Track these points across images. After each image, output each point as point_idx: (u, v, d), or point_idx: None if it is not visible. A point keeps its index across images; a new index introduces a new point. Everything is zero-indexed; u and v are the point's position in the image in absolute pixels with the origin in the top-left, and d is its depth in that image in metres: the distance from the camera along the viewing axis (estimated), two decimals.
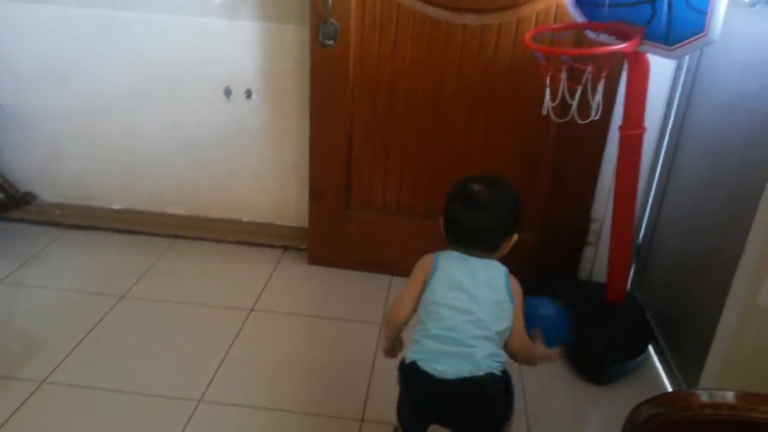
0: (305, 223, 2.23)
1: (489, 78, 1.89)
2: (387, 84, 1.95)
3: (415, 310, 1.22)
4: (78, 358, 1.69)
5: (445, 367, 1.14)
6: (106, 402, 1.55)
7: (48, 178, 2.41)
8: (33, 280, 2.07)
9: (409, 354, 1.19)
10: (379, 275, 2.17)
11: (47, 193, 2.44)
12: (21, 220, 2.38)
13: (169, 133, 2.25)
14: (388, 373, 1.69)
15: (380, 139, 2.04)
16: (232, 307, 1.96)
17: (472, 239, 1.21)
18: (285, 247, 2.32)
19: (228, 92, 2.17)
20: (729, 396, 0.74)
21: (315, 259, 2.23)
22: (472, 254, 1.21)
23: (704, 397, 0.75)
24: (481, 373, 1.13)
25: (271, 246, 2.32)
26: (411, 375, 1.17)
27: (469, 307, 1.15)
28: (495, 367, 1.15)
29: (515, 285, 1.22)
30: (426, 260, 1.25)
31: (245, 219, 2.37)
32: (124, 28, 2.11)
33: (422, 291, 1.21)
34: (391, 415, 1.55)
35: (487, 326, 1.15)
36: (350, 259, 2.19)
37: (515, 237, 1.24)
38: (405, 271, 2.13)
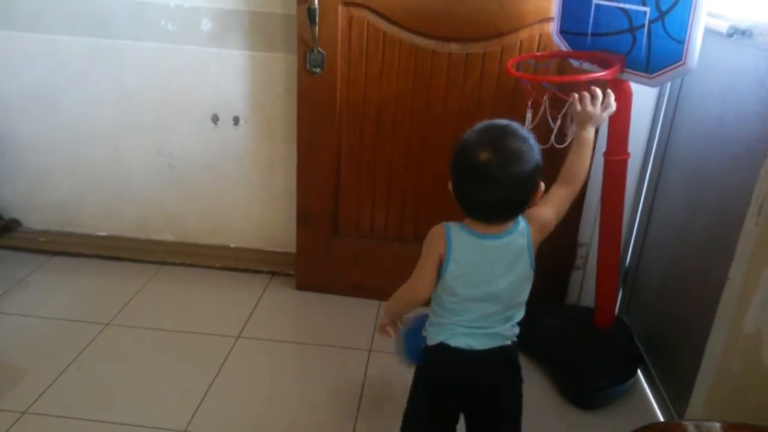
0: (293, 249, 2.22)
1: (474, 104, 1.91)
2: (374, 110, 1.97)
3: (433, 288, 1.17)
4: (61, 388, 1.66)
5: (474, 341, 1.16)
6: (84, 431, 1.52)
7: (33, 205, 2.39)
8: (16, 307, 2.03)
9: (433, 336, 1.19)
10: (367, 300, 2.16)
11: (32, 220, 2.41)
12: (5, 247, 2.35)
13: (155, 159, 2.25)
14: (377, 400, 1.69)
15: (367, 165, 2.05)
16: (219, 334, 1.94)
17: (495, 213, 1.12)
18: (273, 273, 2.31)
19: (215, 119, 2.17)
20: (716, 427, 0.74)
21: (303, 285, 2.22)
22: (494, 223, 1.13)
23: (691, 429, 0.75)
24: (509, 342, 1.19)
25: (259, 272, 2.31)
26: (439, 354, 1.18)
27: (492, 299, 1.15)
28: (516, 333, 1.21)
29: (534, 227, 1.18)
30: (438, 242, 1.14)
31: (232, 245, 2.36)
32: (111, 56, 2.12)
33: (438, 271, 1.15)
34: None
35: (512, 302, 1.17)
36: (338, 284, 2.18)
37: (542, 186, 1.14)
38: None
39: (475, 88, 1.89)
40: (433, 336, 1.19)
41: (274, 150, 2.20)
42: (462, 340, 1.16)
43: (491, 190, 1.08)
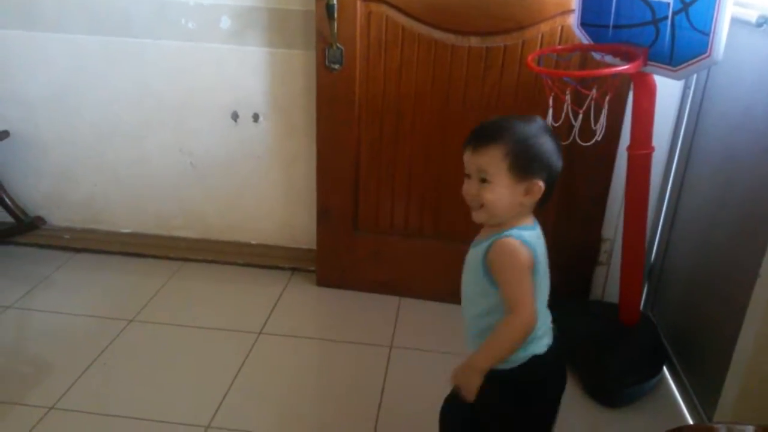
0: (314, 245, 2.22)
1: (495, 98, 1.89)
2: (393, 105, 1.96)
3: None
4: (86, 384, 1.69)
5: (550, 337, 1.14)
6: (114, 428, 1.55)
7: (57, 203, 2.42)
8: (42, 304, 2.07)
9: (532, 349, 1.10)
10: (387, 296, 2.16)
11: (57, 217, 2.45)
12: (31, 245, 2.39)
13: (177, 158, 2.26)
14: (398, 397, 1.69)
15: (387, 161, 2.04)
16: (241, 330, 1.96)
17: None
18: (294, 269, 2.32)
19: (235, 116, 2.18)
20: (748, 431, 0.72)
21: (323, 281, 2.22)
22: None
23: None
24: None
25: (280, 268, 2.32)
26: (550, 363, 1.12)
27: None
28: None
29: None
30: (522, 251, 1.05)
31: (253, 241, 2.37)
32: (132, 55, 2.14)
33: None
34: None
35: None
36: (359, 281, 2.18)
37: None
38: (414, 292, 2.15)
39: (495, 83, 1.87)
40: (524, 358, 1.09)
41: (293, 147, 2.20)
42: (545, 341, 1.11)
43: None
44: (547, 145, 1.07)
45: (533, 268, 1.07)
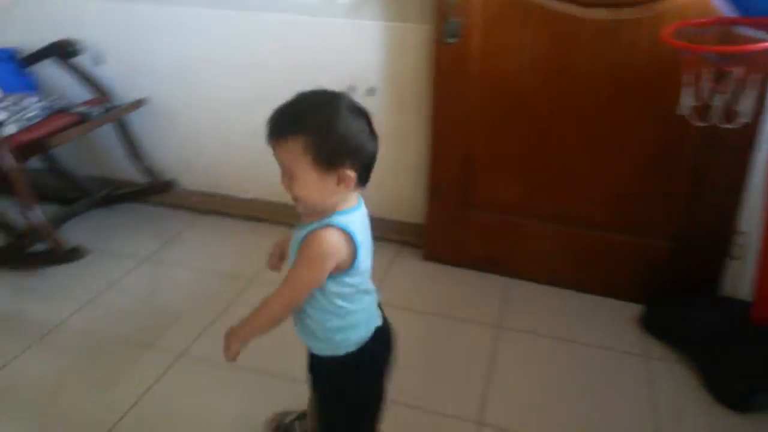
0: (421, 219, 2.24)
1: (621, 75, 1.78)
2: (510, 81, 1.91)
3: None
4: (213, 335, 1.82)
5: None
6: (237, 378, 1.66)
7: (186, 167, 2.61)
8: (173, 258, 2.27)
9: (361, 335, 1.14)
10: (495, 276, 2.14)
11: (185, 181, 2.65)
12: (164, 204, 2.61)
13: None
14: (508, 376, 1.69)
15: (502, 138, 2.00)
16: None
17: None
18: (403, 243, 2.36)
19: (351, 90, 2.22)
20: None
21: (431, 256, 2.24)
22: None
23: None
24: None
25: (389, 240, 2.37)
26: (379, 337, 1.17)
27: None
28: None
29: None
30: (340, 249, 1.04)
31: None
32: (252, 28, 2.24)
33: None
34: (512, 421, 1.54)
35: None
36: (466, 258, 2.18)
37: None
38: (522, 274, 2.11)
39: (622, 60, 1.76)
40: (362, 334, 1.14)
41: (406, 121, 2.21)
42: (373, 324, 1.16)
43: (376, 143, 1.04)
44: (351, 126, 0.99)
45: (354, 255, 1.04)
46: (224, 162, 2.54)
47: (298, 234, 1.07)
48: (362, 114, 1.03)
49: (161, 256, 2.29)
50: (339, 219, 1.03)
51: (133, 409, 1.57)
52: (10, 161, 2.01)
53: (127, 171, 2.60)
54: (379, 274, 2.15)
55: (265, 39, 2.24)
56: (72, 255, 2.07)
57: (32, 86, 2.45)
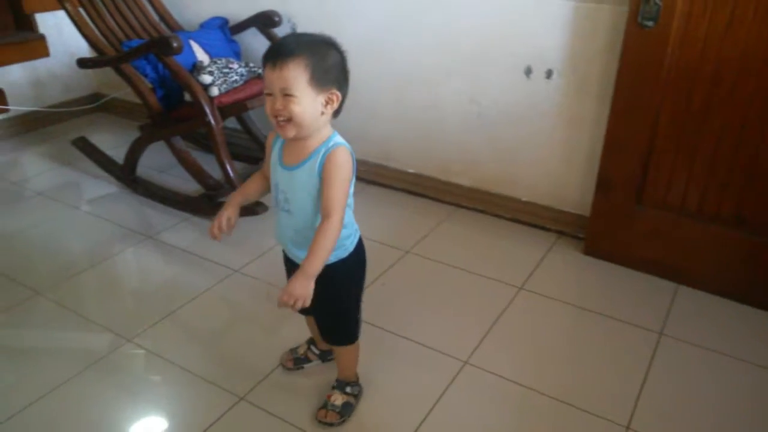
0: (586, 212, 2.15)
1: None
2: (710, 71, 1.74)
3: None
4: (368, 299, 1.93)
5: None
6: (383, 342, 1.75)
7: (362, 137, 2.73)
8: None
9: (354, 241, 1.37)
10: (662, 280, 2.00)
11: (359, 150, 2.76)
12: None
13: (465, 107, 2.37)
14: (663, 386, 1.58)
15: (690, 133, 1.83)
16: (502, 281, 2.02)
17: None
18: (560, 233, 2.29)
19: (528, 71, 2.17)
20: None
21: (592, 251, 2.15)
22: None
23: None
24: None
25: (547, 229, 2.31)
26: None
27: None
28: None
29: None
30: (350, 163, 1.26)
31: (524, 198, 2.39)
32: (439, 3, 2.26)
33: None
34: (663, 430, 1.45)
35: None
36: (632, 258, 2.06)
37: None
38: (695, 282, 1.95)
39: None
40: (355, 240, 1.37)
41: (584, 108, 2.12)
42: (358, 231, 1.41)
43: None
44: (339, 57, 1.21)
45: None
46: (396, 136, 2.62)
47: (306, 167, 1.23)
48: (342, 53, 1.23)
49: None
50: (340, 139, 1.25)
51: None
52: (216, 119, 2.28)
53: None
54: (534, 260, 2.14)
55: (451, 14, 2.26)
56: (256, 208, 2.29)
57: (236, 53, 2.73)
